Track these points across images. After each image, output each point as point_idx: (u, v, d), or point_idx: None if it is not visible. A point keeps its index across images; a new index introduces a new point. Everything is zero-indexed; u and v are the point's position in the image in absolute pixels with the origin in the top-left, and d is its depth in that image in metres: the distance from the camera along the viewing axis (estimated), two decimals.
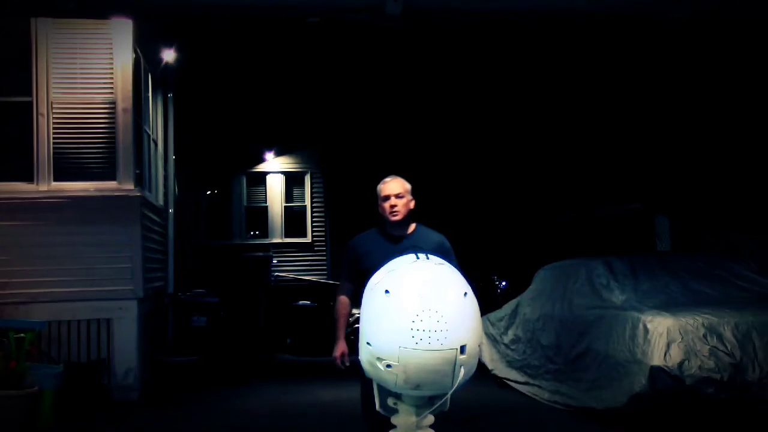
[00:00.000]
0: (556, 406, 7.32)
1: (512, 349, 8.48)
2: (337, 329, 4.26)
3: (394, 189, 4.16)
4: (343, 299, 4.31)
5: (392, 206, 4.11)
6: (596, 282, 7.32)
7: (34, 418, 6.24)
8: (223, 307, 10.67)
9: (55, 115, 7.92)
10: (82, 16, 7.97)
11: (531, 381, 7.95)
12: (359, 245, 4.22)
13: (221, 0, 8.42)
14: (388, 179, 4.22)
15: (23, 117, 7.88)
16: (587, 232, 15.01)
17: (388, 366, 2.00)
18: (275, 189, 17.29)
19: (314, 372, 10.60)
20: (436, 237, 4.20)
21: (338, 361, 4.12)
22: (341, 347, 4.18)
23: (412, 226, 4.22)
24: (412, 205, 4.19)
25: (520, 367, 8.24)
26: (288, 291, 14.45)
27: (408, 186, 4.22)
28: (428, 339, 1.94)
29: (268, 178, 17.34)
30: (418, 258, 2.17)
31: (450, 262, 3.81)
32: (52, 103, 7.92)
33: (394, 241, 4.14)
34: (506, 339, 8.65)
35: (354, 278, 4.19)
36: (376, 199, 4.23)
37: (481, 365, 2.32)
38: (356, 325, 2.87)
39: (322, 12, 8.32)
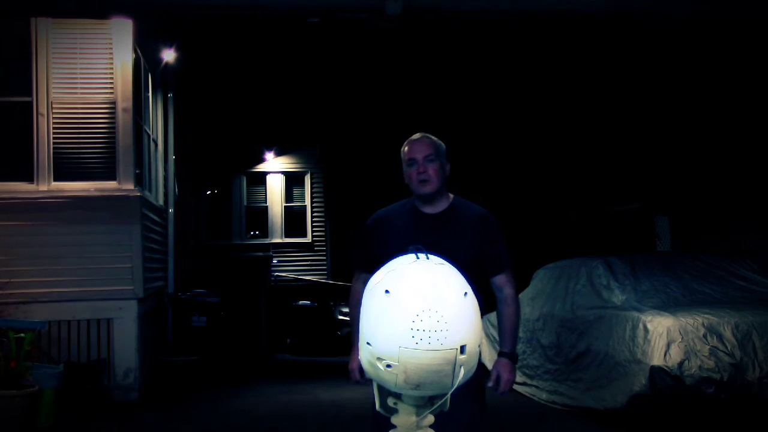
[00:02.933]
0: (553, 406, 7.33)
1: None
2: (353, 332, 3.18)
3: (423, 150, 3.20)
4: (359, 292, 3.13)
5: (420, 173, 3.16)
6: (596, 282, 7.32)
7: (34, 418, 6.24)
8: (223, 307, 10.67)
9: (55, 115, 7.92)
10: (82, 16, 7.97)
11: (528, 381, 7.96)
12: (383, 225, 3.25)
13: (221, 0, 8.41)
14: (414, 137, 3.28)
15: (23, 117, 7.88)
16: (587, 232, 15.01)
17: (388, 366, 1.99)
18: (275, 189, 17.30)
19: (314, 372, 10.61)
20: (478, 211, 3.28)
21: (355, 375, 3.23)
22: (358, 357, 3.28)
23: (449, 199, 3.27)
24: (447, 171, 3.25)
25: (518, 368, 8.24)
26: (288, 291, 14.45)
27: (441, 146, 3.26)
28: (428, 339, 1.93)
29: (268, 178, 17.34)
30: (418, 258, 2.16)
31: (497, 240, 3.27)
32: (52, 103, 7.92)
33: (426, 220, 3.21)
34: None
35: (372, 266, 3.09)
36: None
37: (481, 365, 2.34)
38: None
39: (322, 12, 8.32)
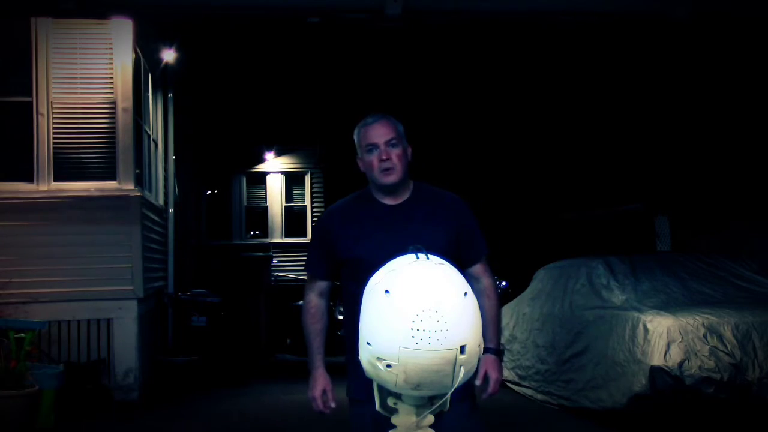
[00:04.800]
0: (549, 407, 7.35)
1: (507, 349, 8.52)
2: (310, 353, 2.90)
3: (384, 133, 2.80)
4: (315, 305, 2.93)
5: (383, 160, 2.79)
6: (596, 282, 7.32)
7: (34, 418, 6.24)
8: (223, 307, 10.67)
9: (55, 115, 7.92)
10: (82, 16, 7.95)
11: (522, 382, 8.01)
12: (341, 224, 2.87)
13: (221, 0, 8.41)
14: (370, 119, 2.85)
15: (23, 117, 7.88)
16: (587, 232, 15.01)
17: (388, 366, 1.99)
18: (275, 189, 17.30)
19: None
20: (447, 196, 2.95)
21: (318, 404, 2.84)
22: (321, 382, 2.86)
23: (410, 186, 2.91)
24: (410, 155, 2.87)
25: (512, 368, 8.29)
26: (288, 291, 14.45)
27: (401, 126, 2.86)
28: (428, 339, 1.93)
29: (268, 178, 17.34)
30: (418, 258, 2.16)
31: (472, 226, 3.00)
32: (52, 103, 7.91)
33: (391, 213, 2.84)
34: (503, 339, 8.69)
35: (329, 271, 2.91)
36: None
37: None
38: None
39: (322, 12, 8.32)
